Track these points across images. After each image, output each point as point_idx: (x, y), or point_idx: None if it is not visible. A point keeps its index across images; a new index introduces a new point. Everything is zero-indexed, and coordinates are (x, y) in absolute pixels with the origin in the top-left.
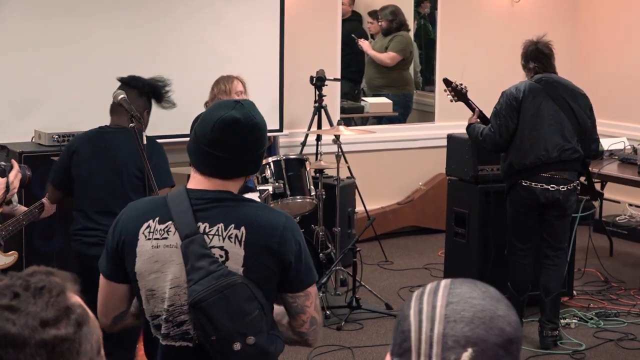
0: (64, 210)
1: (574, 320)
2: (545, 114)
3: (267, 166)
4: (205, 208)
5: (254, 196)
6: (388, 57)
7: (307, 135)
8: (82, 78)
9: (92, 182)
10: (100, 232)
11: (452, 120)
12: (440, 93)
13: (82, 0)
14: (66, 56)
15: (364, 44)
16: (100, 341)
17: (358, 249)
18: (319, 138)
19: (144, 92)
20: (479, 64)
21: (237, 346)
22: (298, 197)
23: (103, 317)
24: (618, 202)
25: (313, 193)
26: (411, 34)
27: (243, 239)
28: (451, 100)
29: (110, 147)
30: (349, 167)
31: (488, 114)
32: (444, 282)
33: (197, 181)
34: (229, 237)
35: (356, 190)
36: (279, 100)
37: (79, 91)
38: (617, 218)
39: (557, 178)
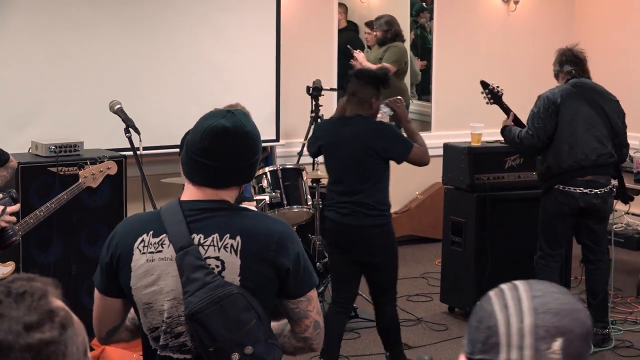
0: (62, 219)
1: None
2: (582, 119)
3: (264, 176)
4: (199, 219)
5: (250, 205)
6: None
7: (303, 145)
8: (79, 90)
9: (338, 164)
10: (350, 205)
11: (449, 130)
12: (437, 102)
13: (79, 14)
14: (63, 69)
15: (359, 55)
16: (86, 343)
17: None
18: None
19: (368, 81)
20: (476, 72)
21: (235, 357)
22: (295, 206)
23: (97, 330)
24: (615, 210)
25: (310, 203)
26: (407, 44)
27: (239, 249)
28: (487, 103)
29: (352, 131)
30: None
31: (492, 122)
32: (518, 282)
33: (190, 192)
34: (225, 247)
35: None
36: (276, 110)
37: (76, 103)
38: (614, 226)
39: (594, 182)
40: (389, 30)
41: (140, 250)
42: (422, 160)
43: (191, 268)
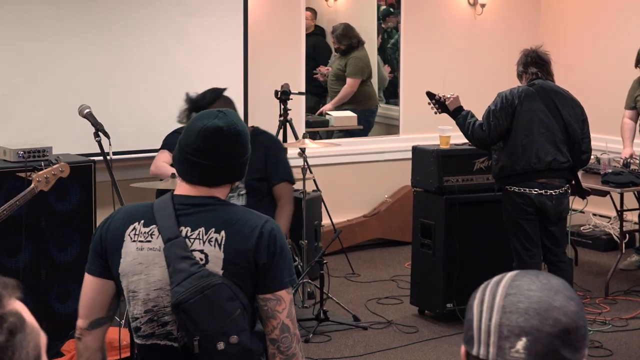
0: (31, 224)
1: None
2: (539, 122)
3: None
4: (187, 213)
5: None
6: (349, 86)
7: None
8: (47, 95)
9: None
10: None
11: (417, 133)
12: (405, 106)
13: (45, 20)
14: (31, 74)
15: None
16: (40, 347)
17: (325, 261)
18: None
19: None
20: (442, 75)
21: (220, 345)
22: None
23: (81, 319)
24: (582, 212)
25: None
26: (374, 48)
27: (223, 243)
28: (435, 113)
29: None
30: (314, 180)
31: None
32: (509, 274)
33: (183, 188)
34: (209, 241)
35: (322, 203)
36: (244, 114)
37: (44, 108)
38: (582, 228)
39: (547, 184)
40: (352, 40)
41: (131, 238)
42: None
43: (177, 259)
